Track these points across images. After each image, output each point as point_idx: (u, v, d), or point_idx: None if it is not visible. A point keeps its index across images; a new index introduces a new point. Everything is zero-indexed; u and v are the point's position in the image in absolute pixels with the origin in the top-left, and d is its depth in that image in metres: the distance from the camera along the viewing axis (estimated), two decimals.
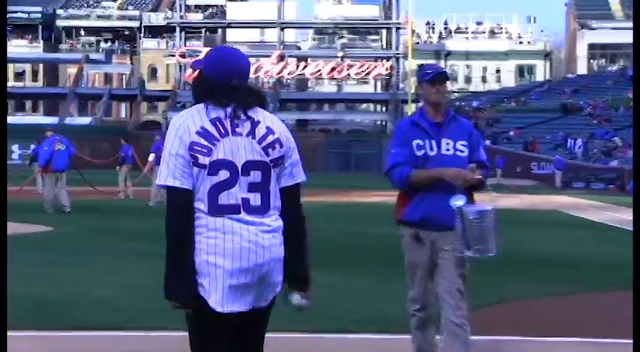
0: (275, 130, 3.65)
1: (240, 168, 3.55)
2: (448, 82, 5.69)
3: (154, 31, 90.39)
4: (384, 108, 76.15)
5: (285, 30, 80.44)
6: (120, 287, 8.89)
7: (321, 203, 25.13)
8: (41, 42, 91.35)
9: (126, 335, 6.83)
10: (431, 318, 5.52)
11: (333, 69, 73.29)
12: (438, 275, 5.32)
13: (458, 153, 5.40)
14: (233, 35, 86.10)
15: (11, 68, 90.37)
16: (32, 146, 31.78)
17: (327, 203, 25.12)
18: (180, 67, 77.53)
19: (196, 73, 3.78)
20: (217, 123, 3.57)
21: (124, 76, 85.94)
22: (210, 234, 3.51)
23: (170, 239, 3.52)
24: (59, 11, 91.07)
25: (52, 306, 7.83)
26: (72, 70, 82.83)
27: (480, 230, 5.11)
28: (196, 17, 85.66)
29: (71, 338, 6.75)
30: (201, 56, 3.84)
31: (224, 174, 3.53)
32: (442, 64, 79.99)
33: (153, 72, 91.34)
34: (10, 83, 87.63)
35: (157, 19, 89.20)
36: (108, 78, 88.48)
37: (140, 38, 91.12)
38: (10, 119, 67.94)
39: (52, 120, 70.23)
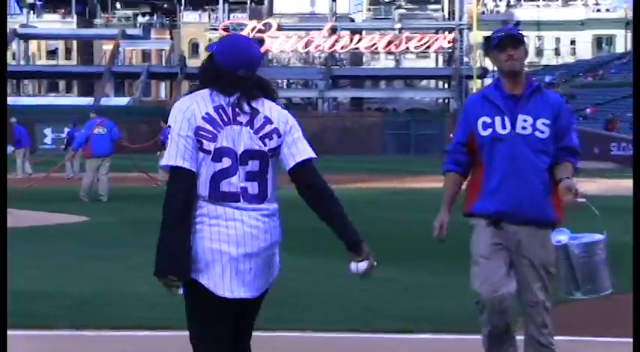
0: (273, 120, 3.96)
1: (238, 157, 3.88)
2: (523, 47, 5.04)
3: (195, 3, 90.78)
4: (446, 85, 75.71)
5: (338, 0, 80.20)
6: (159, 283, 8.94)
7: (377, 189, 25.13)
8: (75, 16, 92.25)
9: (164, 334, 6.87)
10: (507, 332, 5.02)
11: (390, 42, 72.94)
12: (518, 284, 4.93)
13: (537, 133, 4.91)
14: (281, 6, 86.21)
15: (43, 45, 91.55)
16: (66, 129, 32.13)
17: (384, 189, 25.07)
18: None
19: (207, 55, 4.03)
20: (220, 110, 3.90)
21: (163, 53, 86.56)
22: (213, 222, 3.85)
23: (171, 217, 3.81)
24: None
25: (87, 303, 7.93)
26: (107, 47, 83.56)
27: (590, 266, 4.68)
28: None
29: (106, 338, 6.83)
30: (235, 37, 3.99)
31: (226, 162, 3.86)
32: None
33: (194, 47, 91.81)
34: (43, 61, 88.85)
35: None
36: (146, 55, 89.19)
37: (180, 11, 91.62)
38: (43, 100, 69.04)
39: (87, 100, 70.94)
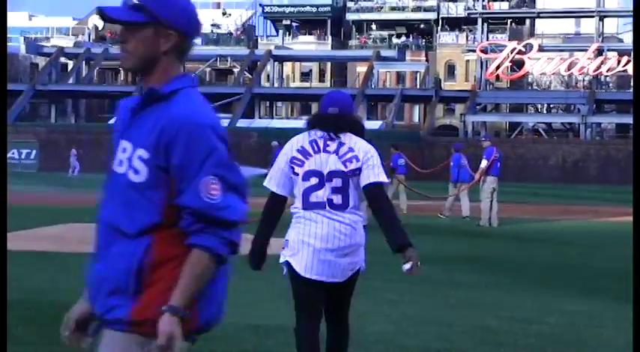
0: (355, 149, 5.43)
1: (325, 176, 5.40)
2: (146, 29, 3.15)
3: (453, 24, 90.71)
4: None
5: (605, 19, 77.93)
6: (405, 322, 8.58)
7: None
8: (330, 38, 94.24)
9: None
10: None
11: None
12: None
13: (131, 174, 3.10)
14: (543, 27, 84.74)
15: (297, 67, 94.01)
16: None
17: None
18: (482, 63, 77.13)
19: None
20: (313, 143, 5.47)
21: (417, 75, 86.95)
22: (306, 222, 5.39)
23: (262, 218, 5.59)
24: (349, 4, 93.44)
25: None
26: (361, 69, 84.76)
27: None
28: (501, 7, 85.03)
29: None
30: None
31: (314, 180, 5.41)
32: None
33: (450, 70, 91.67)
34: (296, 84, 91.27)
35: (457, 9, 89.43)
36: (400, 77, 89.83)
37: (437, 32, 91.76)
38: (295, 123, 70.60)
39: None
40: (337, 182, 5.37)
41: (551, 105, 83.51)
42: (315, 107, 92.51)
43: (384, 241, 5.31)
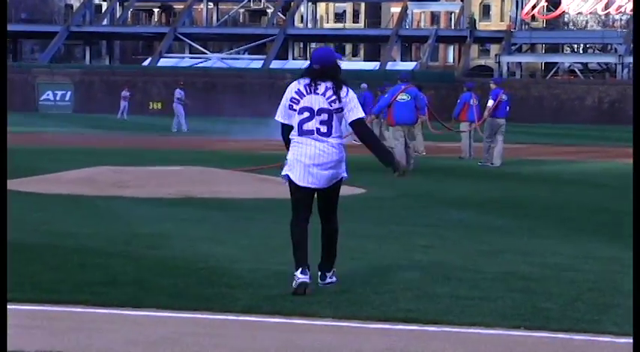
0: (337, 93, 7.27)
1: (315, 111, 7.27)
2: None
3: None
4: None
5: None
6: (437, 269, 8.36)
7: None
8: None
9: (440, 330, 6.26)
10: None
11: None
12: None
13: None
14: None
15: (331, 8, 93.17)
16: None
17: None
18: (517, 3, 76.05)
19: None
20: (307, 86, 7.32)
21: (452, 15, 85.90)
22: (299, 146, 7.30)
23: (284, 142, 7.50)
24: None
25: (355, 290, 7.42)
26: (395, 9, 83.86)
27: None
28: None
29: (370, 332, 6.27)
30: None
31: (306, 114, 7.28)
32: None
33: (485, 9, 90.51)
34: (330, 24, 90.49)
35: None
36: (434, 17, 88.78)
37: None
38: None
39: (373, 65, 71.42)
40: (324, 116, 7.25)
41: (588, 45, 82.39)
42: (348, 48, 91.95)
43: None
